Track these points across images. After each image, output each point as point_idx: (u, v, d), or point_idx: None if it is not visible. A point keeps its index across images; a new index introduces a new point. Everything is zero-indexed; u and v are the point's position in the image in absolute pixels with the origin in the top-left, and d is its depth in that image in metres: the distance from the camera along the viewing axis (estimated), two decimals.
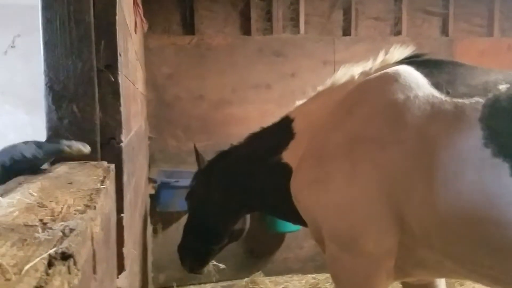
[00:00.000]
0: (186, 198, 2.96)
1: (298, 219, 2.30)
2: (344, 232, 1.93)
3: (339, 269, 2.01)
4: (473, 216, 1.57)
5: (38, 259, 0.50)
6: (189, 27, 4.10)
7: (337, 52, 4.26)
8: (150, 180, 3.71)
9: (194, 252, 2.87)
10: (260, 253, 4.30)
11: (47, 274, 0.48)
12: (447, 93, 1.74)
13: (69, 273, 0.52)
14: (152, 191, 3.75)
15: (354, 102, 2.02)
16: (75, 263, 0.54)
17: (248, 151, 2.60)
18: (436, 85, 1.80)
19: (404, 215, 1.76)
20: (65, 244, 0.55)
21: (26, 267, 0.48)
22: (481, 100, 1.62)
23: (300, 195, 2.16)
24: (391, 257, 1.87)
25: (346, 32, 4.37)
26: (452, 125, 1.65)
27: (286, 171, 2.28)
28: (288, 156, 2.33)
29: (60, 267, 0.51)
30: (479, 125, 1.58)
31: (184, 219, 3.09)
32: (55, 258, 0.52)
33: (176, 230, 3.73)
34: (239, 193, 2.62)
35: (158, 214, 3.96)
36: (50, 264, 0.50)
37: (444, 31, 4.49)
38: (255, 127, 2.64)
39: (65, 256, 0.53)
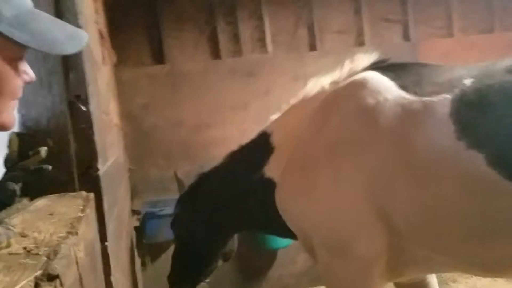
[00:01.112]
0: (171, 226, 2.93)
1: (287, 232, 2.30)
2: (333, 239, 1.94)
3: (332, 276, 2.01)
4: (456, 210, 1.61)
5: (24, 281, 0.50)
6: (159, 57, 4.14)
7: (306, 66, 4.35)
8: (134, 212, 3.67)
9: (185, 279, 2.83)
10: (254, 273, 4.26)
11: None
12: (415, 93, 1.80)
13: None
14: (137, 223, 3.70)
15: (329, 111, 2.07)
16: (61, 284, 0.55)
17: (229, 170, 2.60)
18: (404, 87, 1.86)
19: (390, 215, 1.79)
20: (50, 266, 0.56)
21: None
22: (448, 96, 1.68)
23: (286, 207, 2.17)
24: (382, 259, 1.89)
25: (313, 47, 4.47)
26: (424, 123, 1.70)
27: (270, 186, 2.30)
28: (270, 170, 2.34)
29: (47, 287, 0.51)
30: (450, 120, 1.64)
31: (172, 248, 3.05)
32: (42, 280, 0.52)
33: (166, 261, 3.67)
34: (225, 214, 2.61)
35: (145, 246, 3.90)
36: (36, 286, 0.51)
37: (406, 36, 4.63)
38: (236, 147, 2.66)
39: (51, 277, 0.53)
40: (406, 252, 1.84)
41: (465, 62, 2.01)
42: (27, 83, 0.83)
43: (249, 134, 2.71)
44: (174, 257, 2.88)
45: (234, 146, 2.69)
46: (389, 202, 1.78)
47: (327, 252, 1.98)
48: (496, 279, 3.61)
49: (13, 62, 0.77)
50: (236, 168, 2.55)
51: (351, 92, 2.01)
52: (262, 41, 4.38)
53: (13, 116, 0.81)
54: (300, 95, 2.37)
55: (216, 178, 2.65)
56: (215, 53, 4.27)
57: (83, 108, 1.18)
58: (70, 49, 0.81)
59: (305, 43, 4.49)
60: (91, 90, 1.26)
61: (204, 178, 2.74)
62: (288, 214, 2.18)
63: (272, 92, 4.29)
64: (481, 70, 1.70)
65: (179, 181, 2.93)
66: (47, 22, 0.79)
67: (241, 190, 2.47)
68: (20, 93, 0.81)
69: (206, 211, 2.66)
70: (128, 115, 3.94)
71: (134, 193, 3.93)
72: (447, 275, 3.83)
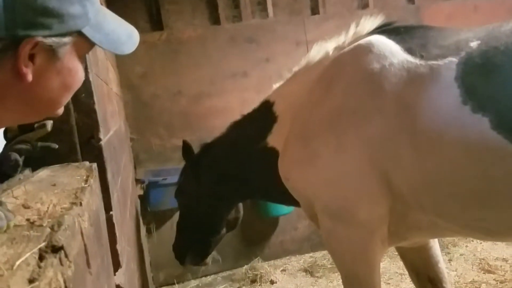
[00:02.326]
0: (175, 195, 2.94)
1: (290, 200, 2.31)
2: (336, 205, 1.95)
3: (335, 242, 2.03)
4: (461, 174, 1.60)
5: (28, 253, 0.50)
6: (157, 23, 4.06)
7: (308, 32, 4.26)
8: (138, 181, 3.69)
9: (193, 247, 2.87)
10: (257, 240, 4.33)
11: (39, 267, 0.48)
12: (421, 57, 1.76)
13: (62, 264, 0.52)
14: (141, 192, 3.73)
15: (332, 77, 2.03)
16: (66, 255, 0.54)
17: (232, 140, 2.59)
18: (409, 51, 1.81)
19: (393, 181, 1.79)
20: (54, 237, 0.55)
21: (18, 262, 0.48)
22: (454, 59, 1.64)
23: (290, 176, 2.17)
24: (384, 224, 1.90)
25: (315, 11, 4.37)
26: (430, 87, 1.67)
27: (273, 155, 2.29)
28: (274, 139, 2.33)
29: (52, 259, 0.50)
30: (455, 84, 1.60)
31: (176, 216, 3.08)
32: (46, 252, 0.51)
33: (171, 228, 3.73)
34: (229, 183, 2.61)
35: (150, 214, 3.95)
36: (41, 258, 0.50)
37: None
38: (236, 117, 2.63)
39: (55, 249, 0.53)
40: (409, 217, 1.85)
41: (469, 25, 1.96)
42: None
43: (250, 103, 2.68)
44: (180, 226, 2.91)
45: (235, 115, 2.67)
46: (393, 168, 1.77)
47: (330, 219, 1.99)
48: (496, 242, 3.66)
49: (83, 58, 0.82)
50: (239, 138, 2.54)
51: (356, 57, 1.97)
52: (262, 5, 4.27)
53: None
54: (303, 61, 2.33)
55: (219, 148, 2.65)
56: (214, 19, 4.18)
57: None
58: (128, 49, 0.85)
59: (307, 7, 4.39)
60: (90, 59, 1.23)
61: (207, 149, 2.73)
62: (291, 182, 2.18)
63: (273, 59, 4.22)
64: (487, 33, 1.66)
65: (189, 148, 2.86)
66: (112, 21, 0.83)
67: (245, 159, 2.47)
68: None
69: (210, 181, 2.67)
70: (127, 85, 3.90)
71: (137, 163, 3.94)
72: (447, 239, 3.89)
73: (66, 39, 0.73)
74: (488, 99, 1.53)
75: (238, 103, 3.99)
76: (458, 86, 1.59)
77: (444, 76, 1.64)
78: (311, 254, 4.29)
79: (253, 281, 3.91)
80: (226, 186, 2.63)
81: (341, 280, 2.13)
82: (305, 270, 4.02)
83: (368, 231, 1.92)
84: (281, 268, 4.10)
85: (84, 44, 0.78)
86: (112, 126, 1.77)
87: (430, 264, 2.30)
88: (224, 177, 2.61)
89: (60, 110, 0.83)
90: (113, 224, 1.19)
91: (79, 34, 0.75)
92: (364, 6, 4.45)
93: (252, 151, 2.42)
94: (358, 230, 1.93)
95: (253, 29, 4.19)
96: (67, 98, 0.81)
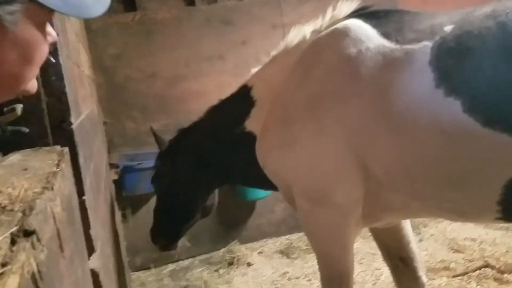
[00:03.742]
0: (152, 181, 2.92)
1: (268, 185, 2.33)
2: (314, 188, 1.98)
3: (313, 224, 2.07)
4: (434, 156, 1.64)
5: (0, 238, 0.48)
6: (130, 4, 3.95)
7: (284, 14, 4.24)
8: (112, 166, 3.64)
9: (167, 232, 2.86)
10: (234, 223, 4.35)
11: (11, 251, 0.47)
12: (397, 41, 1.78)
13: (34, 248, 0.51)
14: (116, 177, 3.68)
15: (310, 62, 2.04)
16: (38, 240, 0.53)
17: (210, 125, 2.57)
18: (386, 35, 1.83)
19: (369, 163, 1.82)
20: (26, 222, 0.53)
21: None
22: (429, 43, 1.67)
23: (268, 159, 2.18)
24: (359, 206, 1.95)
25: None
26: (405, 71, 1.69)
27: (251, 140, 2.29)
28: (252, 124, 2.32)
29: (24, 243, 0.49)
30: (429, 68, 1.63)
31: (152, 201, 3.06)
32: (18, 236, 0.50)
33: (146, 213, 3.71)
34: (206, 168, 2.60)
35: (125, 199, 3.91)
36: (13, 242, 0.49)
37: None
38: (213, 100, 2.61)
39: (27, 233, 0.51)
40: (383, 199, 1.89)
41: (443, 10, 1.98)
42: (51, 44, 0.79)
43: (227, 86, 2.66)
44: (156, 211, 2.90)
45: (211, 99, 2.65)
46: (369, 151, 1.80)
47: (307, 201, 2.02)
48: (466, 223, 3.78)
49: (42, 27, 0.74)
50: (217, 123, 2.52)
51: (333, 42, 1.98)
52: None
53: (35, 82, 0.78)
54: (281, 45, 2.32)
55: (196, 133, 2.63)
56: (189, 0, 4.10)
57: (52, 59, 1.12)
58: (96, 12, 0.77)
59: None
60: (60, 40, 1.19)
61: (184, 134, 2.71)
62: (270, 166, 2.20)
63: (249, 42, 4.19)
64: (461, 17, 1.68)
65: (156, 136, 2.89)
66: None
67: (222, 144, 2.46)
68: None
69: (187, 166, 2.65)
70: (100, 67, 3.80)
71: (111, 147, 3.88)
72: (418, 220, 4.00)
73: (14, 7, 0.66)
74: (460, 83, 1.56)
75: (214, 87, 3.95)
76: (432, 70, 1.62)
77: (419, 60, 1.66)
78: (287, 237, 4.35)
79: (230, 264, 3.95)
80: (204, 172, 2.62)
81: (316, 261, 2.17)
82: (281, 252, 4.08)
83: (344, 212, 1.96)
84: (258, 251, 4.15)
85: (39, 10, 0.69)
86: (84, 110, 1.73)
87: (402, 244, 2.37)
88: (201, 162, 2.60)
89: (32, 87, 0.77)
90: (86, 209, 1.17)
91: None
92: None
93: (230, 136, 2.41)
94: (335, 212, 1.97)
95: (229, 10, 4.14)
96: (32, 72, 0.74)
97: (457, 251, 3.53)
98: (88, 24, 3.59)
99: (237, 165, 2.48)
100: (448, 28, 1.66)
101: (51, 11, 0.72)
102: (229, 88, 2.55)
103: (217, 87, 3.85)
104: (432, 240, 3.77)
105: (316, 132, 1.93)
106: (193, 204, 2.78)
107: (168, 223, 2.82)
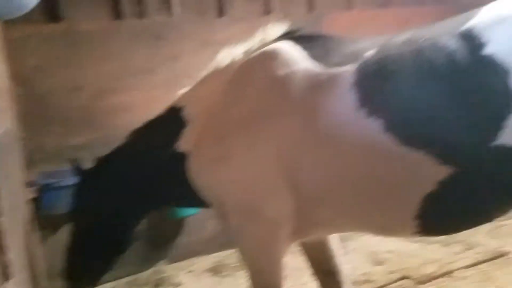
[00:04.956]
0: (70, 218, 2.66)
1: (200, 203, 2.30)
2: (247, 204, 2.02)
3: (245, 240, 2.10)
4: (358, 174, 1.74)
5: None
6: (54, 14, 3.76)
7: (215, 33, 4.28)
8: (30, 184, 3.40)
9: (90, 271, 2.64)
10: (162, 241, 4.23)
11: None
12: (324, 64, 1.88)
13: None
14: (34, 195, 3.43)
15: (243, 81, 2.10)
16: None
17: (136, 150, 2.45)
18: (313, 58, 1.93)
19: (299, 180, 1.89)
20: None
21: None
22: (353, 67, 1.78)
23: (201, 175, 2.18)
24: (290, 221, 2.01)
25: (221, 12, 4.40)
26: (331, 93, 1.79)
27: (183, 160, 2.25)
28: (183, 144, 2.28)
29: None
30: (353, 89, 1.74)
31: None
32: None
33: (66, 233, 3.49)
34: (135, 195, 2.45)
35: (43, 219, 3.65)
36: None
37: (311, 7, 4.75)
38: (143, 116, 2.53)
39: None
40: (313, 214, 1.97)
41: (366, 35, 2.12)
42: None
43: (157, 101, 2.61)
44: (74, 250, 2.62)
45: (140, 113, 2.58)
46: (299, 168, 1.88)
47: (240, 217, 2.06)
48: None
49: None
50: (145, 147, 2.43)
51: (263, 63, 2.05)
52: (168, 2, 4.19)
53: None
54: (212, 66, 2.34)
55: (121, 161, 2.48)
56: (116, 13, 3.98)
57: None
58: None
59: (215, 8, 4.40)
60: None
61: (106, 162, 2.54)
62: (203, 182, 2.19)
63: (180, 58, 4.16)
64: (381, 43, 1.81)
65: (74, 168, 2.61)
66: None
67: (152, 169, 2.37)
68: None
69: (115, 196, 2.46)
70: (19, 78, 3.56)
71: (30, 163, 3.62)
72: (343, 233, 4.13)
73: None
74: (381, 104, 1.67)
75: (144, 101, 3.86)
76: (355, 92, 1.73)
77: (344, 82, 1.76)
78: (218, 254, 4.30)
79: (157, 285, 3.82)
80: (133, 199, 2.46)
81: (246, 278, 2.18)
82: (211, 270, 4.02)
83: (275, 228, 2.01)
84: (187, 270, 4.05)
85: None
86: (0, 125, 1.61)
87: (328, 258, 2.46)
88: (129, 189, 2.43)
89: None
90: (2, 231, 1.08)
91: None
92: (269, 12, 4.59)
93: (160, 159, 2.34)
94: (266, 227, 2.01)
95: (159, 26, 4.10)
96: None
97: (378, 263, 3.70)
98: (8, 34, 3.36)
99: (169, 187, 2.39)
100: (370, 53, 1.78)
101: None
102: (159, 103, 2.50)
103: (146, 102, 3.77)
104: (355, 253, 3.93)
105: (249, 147, 1.98)
106: (124, 236, 2.60)
107: (92, 261, 2.59)
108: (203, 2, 4.34)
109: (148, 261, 4.12)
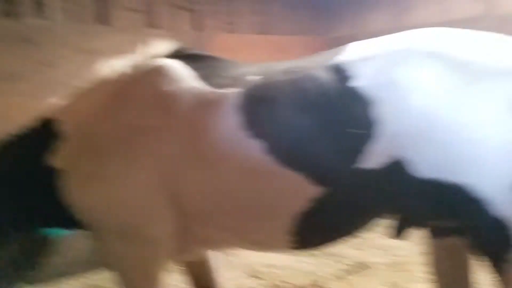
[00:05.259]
0: None
1: (74, 223, 2.12)
2: (125, 223, 1.95)
3: (120, 260, 2.02)
4: (239, 192, 1.82)
5: None
6: None
7: (94, 41, 4.10)
8: None
9: None
10: (26, 262, 3.82)
11: None
12: (210, 85, 1.93)
13: None
14: None
15: (125, 96, 2.04)
16: None
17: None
18: (200, 78, 1.98)
19: (181, 198, 1.90)
20: None
21: None
22: (238, 90, 1.87)
23: (76, 194, 2.02)
24: (171, 240, 1.99)
25: (102, 21, 4.24)
26: (216, 113, 1.85)
27: (54, 177, 2.07)
28: (55, 160, 2.09)
29: None
30: (238, 112, 1.82)
31: None
32: None
33: None
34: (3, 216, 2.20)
35: None
36: None
37: (197, 26, 4.84)
38: (11, 122, 2.28)
39: None
40: (194, 232, 1.98)
41: (246, 58, 2.24)
42: None
43: (27, 108, 2.39)
44: None
45: (7, 120, 2.33)
46: (181, 186, 1.88)
47: (117, 238, 1.98)
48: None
49: None
50: (10, 163, 2.21)
51: (150, 79, 2.02)
52: (42, 5, 3.90)
53: None
54: (91, 77, 2.20)
55: None
56: None
57: None
58: None
59: (93, 15, 4.22)
60: None
61: None
62: (77, 203, 2.04)
63: (52, 64, 3.89)
64: (264, 70, 1.94)
65: None
66: None
67: (16, 185, 2.15)
68: None
69: None
70: None
71: None
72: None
73: None
74: (263, 128, 1.78)
75: (11, 107, 3.51)
76: (240, 114, 1.81)
77: (230, 104, 1.84)
78: (87, 275, 4.04)
79: None
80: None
81: None
82: None
83: (155, 248, 1.98)
84: None
85: None
86: None
87: (207, 274, 2.49)
88: None
89: None
90: None
91: None
92: (154, 25, 4.55)
93: (26, 176, 2.14)
94: (145, 248, 1.97)
95: (32, 29, 3.78)
96: None
97: (254, 276, 3.84)
98: None
99: (38, 206, 2.19)
100: (254, 78, 1.89)
101: None
102: (29, 110, 2.28)
103: (15, 108, 3.43)
104: (234, 267, 4.02)
105: (129, 166, 1.92)
106: None
107: None
108: (83, 8, 4.13)
109: (10, 282, 3.68)
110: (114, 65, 2.18)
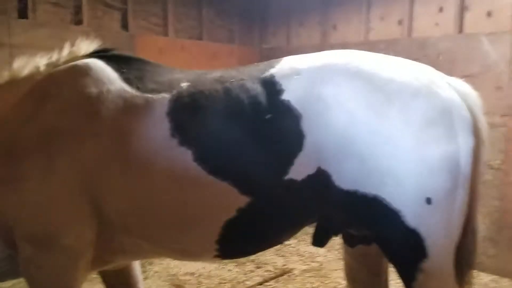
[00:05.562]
0: None
1: None
2: (41, 231, 1.83)
3: (36, 269, 1.89)
4: (165, 200, 1.77)
5: None
6: None
7: (13, 35, 3.82)
8: None
9: None
10: None
11: None
12: (138, 89, 1.87)
13: None
14: None
15: (45, 94, 1.92)
16: None
17: None
18: (127, 81, 1.90)
19: (103, 206, 1.81)
20: None
21: None
22: (167, 95, 1.82)
23: None
24: (90, 249, 1.89)
25: (23, 14, 3.97)
26: (144, 119, 1.79)
27: None
28: None
29: None
30: (166, 118, 1.78)
31: None
32: None
33: None
34: None
35: None
36: None
37: (125, 26, 4.68)
38: None
39: None
40: (115, 241, 1.90)
41: (176, 62, 2.20)
42: None
43: None
44: None
45: None
46: (104, 193, 1.80)
47: (32, 246, 1.85)
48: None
49: None
50: None
51: (73, 78, 1.92)
52: None
53: None
54: (7, 73, 2.05)
55: None
56: None
57: None
58: None
59: (14, 8, 3.93)
60: None
61: None
62: None
63: None
64: (195, 77, 1.92)
65: None
66: None
67: None
68: None
69: None
70: None
71: None
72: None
73: None
74: (192, 135, 1.76)
75: None
76: (169, 120, 1.78)
77: (157, 110, 1.79)
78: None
79: None
80: None
81: None
82: None
83: (73, 256, 1.87)
84: None
85: None
86: None
87: (130, 285, 2.39)
88: None
89: None
90: None
91: None
92: (78, 22, 4.33)
93: None
94: (62, 256, 1.86)
95: None
96: None
97: (178, 286, 3.77)
98: None
99: None
100: (184, 85, 1.86)
101: None
102: None
103: None
104: (157, 277, 3.92)
105: (46, 170, 1.80)
106: None
107: None
108: (5, 0, 3.84)
109: None
110: (34, 62, 2.04)
